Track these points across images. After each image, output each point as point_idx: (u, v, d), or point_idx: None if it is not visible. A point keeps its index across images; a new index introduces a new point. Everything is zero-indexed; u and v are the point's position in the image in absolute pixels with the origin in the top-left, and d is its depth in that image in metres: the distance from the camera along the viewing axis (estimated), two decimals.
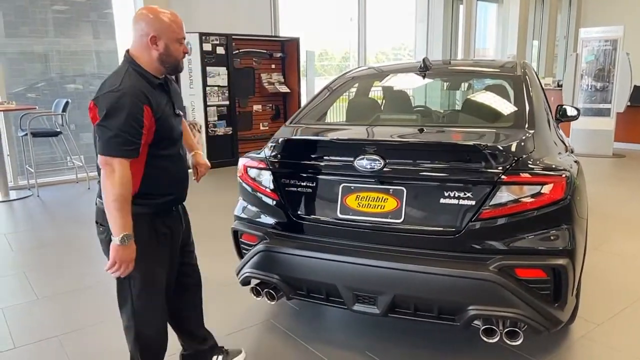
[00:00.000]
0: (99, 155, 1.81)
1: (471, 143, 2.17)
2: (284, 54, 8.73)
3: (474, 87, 3.04)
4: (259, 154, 2.63)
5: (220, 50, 7.71)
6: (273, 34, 8.64)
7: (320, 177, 2.41)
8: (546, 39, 10.40)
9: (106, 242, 1.91)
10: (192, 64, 7.56)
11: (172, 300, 2.18)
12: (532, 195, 2.05)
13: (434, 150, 2.22)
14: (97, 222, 1.99)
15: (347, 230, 2.34)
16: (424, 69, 3.04)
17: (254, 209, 2.65)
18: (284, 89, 8.70)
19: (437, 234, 2.17)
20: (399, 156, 2.23)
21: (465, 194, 2.12)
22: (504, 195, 2.06)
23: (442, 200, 2.16)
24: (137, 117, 1.80)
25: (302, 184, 2.44)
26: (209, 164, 2.38)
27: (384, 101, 3.31)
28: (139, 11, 1.92)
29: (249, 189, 2.65)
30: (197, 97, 7.62)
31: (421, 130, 2.43)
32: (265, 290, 2.55)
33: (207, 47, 7.58)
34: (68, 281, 3.59)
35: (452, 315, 2.17)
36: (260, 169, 2.58)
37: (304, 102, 9.20)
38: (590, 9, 10.57)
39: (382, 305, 2.25)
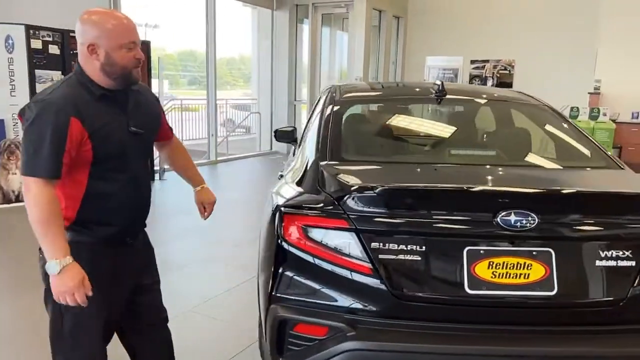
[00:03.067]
0: None
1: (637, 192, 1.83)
2: None
3: (502, 117, 2.74)
4: (322, 206, 1.85)
5: (54, 49, 6.05)
6: None
7: (435, 238, 1.78)
8: (383, 64, 11.06)
9: (43, 270, 1.69)
10: (14, 65, 5.75)
11: (130, 347, 2.05)
12: None
13: (591, 201, 1.82)
14: (39, 249, 1.71)
15: (479, 311, 1.76)
16: (440, 94, 2.63)
17: (318, 286, 1.86)
18: None
19: (596, 306, 1.76)
20: (551, 210, 1.76)
21: (624, 253, 1.76)
22: None
23: (597, 263, 1.76)
24: (60, 130, 1.60)
25: (408, 248, 1.76)
26: (215, 198, 2.18)
27: (415, 131, 2.77)
28: (80, 15, 1.71)
29: (308, 257, 1.85)
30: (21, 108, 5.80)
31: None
32: None
33: (37, 44, 5.86)
34: None
35: None
36: (337, 228, 1.81)
37: None
38: (415, 39, 11.64)
39: None
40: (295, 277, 1.91)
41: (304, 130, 3.59)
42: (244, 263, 4.26)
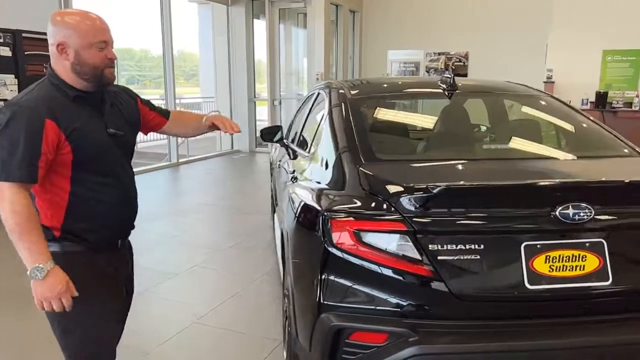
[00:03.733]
0: None
1: None
2: None
3: (520, 110, 2.74)
4: (377, 209, 1.79)
5: (6, 51, 5.60)
6: None
7: (494, 236, 1.76)
8: (342, 59, 11.05)
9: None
10: None
11: None
12: None
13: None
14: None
15: (539, 305, 1.76)
16: (451, 88, 2.64)
17: (374, 291, 1.80)
18: None
19: None
20: (605, 201, 1.78)
21: None
22: None
23: None
24: (35, 133, 1.56)
25: (467, 247, 1.73)
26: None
27: (441, 126, 2.72)
28: (51, 16, 1.67)
29: (362, 262, 1.78)
30: None
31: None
32: None
33: None
34: None
35: None
36: (393, 231, 1.75)
37: None
38: (371, 33, 11.72)
39: None
40: (348, 284, 1.84)
41: (301, 130, 3.51)
42: (234, 269, 4.13)
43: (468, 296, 1.74)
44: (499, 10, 10.40)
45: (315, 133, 2.92)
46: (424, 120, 2.67)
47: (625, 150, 2.30)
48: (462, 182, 1.84)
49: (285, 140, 4.27)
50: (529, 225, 1.76)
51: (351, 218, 1.80)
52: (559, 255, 1.76)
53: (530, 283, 1.74)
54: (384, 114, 2.69)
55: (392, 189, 1.82)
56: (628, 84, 8.79)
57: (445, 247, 1.73)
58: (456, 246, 1.73)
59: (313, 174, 2.47)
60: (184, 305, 3.42)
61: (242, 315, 3.31)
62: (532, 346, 1.69)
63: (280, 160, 3.72)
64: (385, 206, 1.79)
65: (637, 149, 2.31)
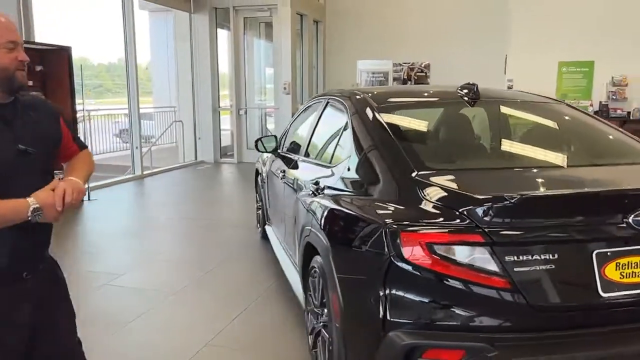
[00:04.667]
0: None
1: None
2: (45, 67, 6.51)
3: (550, 118, 2.76)
4: (451, 221, 1.72)
5: None
6: (25, 39, 6.34)
7: (567, 245, 1.74)
8: (307, 70, 11.01)
9: None
10: None
11: None
12: None
13: None
14: None
15: (611, 313, 1.75)
16: (474, 97, 2.65)
17: (447, 306, 1.73)
18: None
19: None
20: None
21: None
22: None
23: None
24: None
25: (542, 258, 1.70)
26: (82, 187, 1.64)
27: (479, 134, 2.68)
28: None
29: (433, 276, 1.71)
30: None
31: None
32: None
33: None
34: None
35: None
36: (469, 243, 1.69)
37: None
38: (334, 43, 11.78)
39: None
40: (418, 299, 1.77)
41: (309, 140, 3.40)
42: (231, 287, 3.94)
43: (544, 307, 1.70)
44: (459, 23, 10.73)
45: (338, 143, 2.83)
46: (459, 128, 2.65)
47: None
48: (538, 192, 1.81)
49: (279, 151, 4.16)
50: (602, 232, 1.75)
51: (424, 231, 1.73)
52: (628, 262, 1.76)
53: (604, 291, 1.73)
54: (417, 123, 2.64)
55: (465, 199, 1.77)
56: (582, 94, 9.25)
57: (521, 258, 1.69)
58: (532, 257, 1.70)
59: (349, 186, 2.38)
60: (189, 328, 3.21)
61: (256, 334, 3.14)
62: (611, 354, 1.68)
63: (283, 171, 3.59)
64: (458, 218, 1.73)
65: None
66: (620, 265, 1.75)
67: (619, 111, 8.90)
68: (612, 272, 1.75)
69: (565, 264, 1.72)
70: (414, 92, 2.87)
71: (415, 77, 11.35)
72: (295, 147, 3.82)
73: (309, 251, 2.70)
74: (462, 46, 10.61)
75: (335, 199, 2.34)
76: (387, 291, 1.80)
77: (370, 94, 2.82)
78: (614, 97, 8.88)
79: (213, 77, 10.23)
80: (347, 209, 2.15)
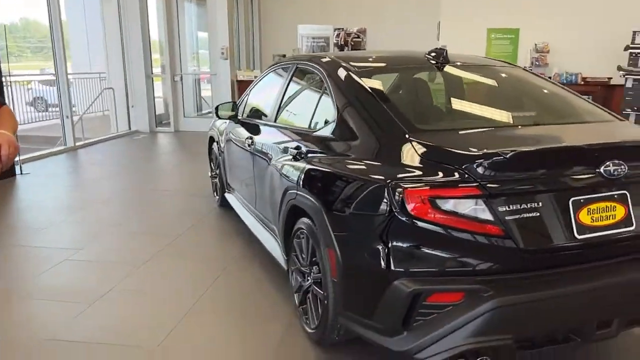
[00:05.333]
0: None
1: None
2: None
3: (519, 81, 2.97)
4: (451, 176, 1.88)
5: None
6: None
7: (548, 194, 1.95)
8: (244, 36, 10.76)
9: None
10: None
11: None
12: None
13: None
14: None
15: (585, 253, 2.00)
16: (445, 61, 2.82)
17: (447, 254, 1.91)
18: None
19: None
20: (631, 158, 2.05)
21: None
22: None
23: None
24: None
25: (528, 206, 1.91)
26: (15, 141, 1.57)
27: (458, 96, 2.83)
28: None
29: (434, 227, 1.88)
30: None
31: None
32: (481, 358, 1.91)
33: None
34: None
35: None
36: (468, 197, 1.86)
37: None
38: (269, 7, 11.56)
39: (619, 323, 2.06)
40: (421, 250, 1.93)
41: (279, 105, 3.42)
42: (200, 255, 3.95)
43: (531, 250, 1.92)
44: None
45: (317, 108, 2.89)
46: (438, 91, 2.80)
47: (609, 116, 2.66)
48: (526, 147, 2.00)
49: (240, 117, 4.14)
50: (577, 182, 1.98)
51: (427, 187, 1.87)
52: (596, 207, 2.01)
53: (579, 233, 1.97)
54: (398, 87, 2.76)
55: (462, 156, 1.92)
56: (509, 60, 9.82)
57: (511, 207, 1.89)
58: (520, 206, 1.90)
59: (336, 149, 2.46)
60: (169, 296, 3.21)
61: (237, 297, 3.21)
62: (588, 287, 1.93)
63: (250, 138, 3.60)
64: (457, 173, 1.88)
65: (618, 116, 2.68)
66: (591, 210, 2.00)
67: (541, 76, 9.57)
68: (584, 216, 1.99)
69: (548, 211, 1.94)
70: (387, 57, 2.97)
71: (352, 43, 11.45)
72: (260, 114, 3.83)
73: (293, 214, 2.78)
74: (398, 12, 10.83)
75: (327, 161, 2.43)
76: (392, 244, 1.95)
77: (346, 59, 2.89)
78: (537, 63, 9.50)
79: (145, 41, 9.75)
80: (343, 170, 2.25)
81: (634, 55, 8.11)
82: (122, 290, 3.25)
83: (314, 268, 2.57)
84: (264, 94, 3.90)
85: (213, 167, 5.21)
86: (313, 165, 2.50)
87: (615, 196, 2.05)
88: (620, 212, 2.05)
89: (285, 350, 2.60)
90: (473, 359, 1.91)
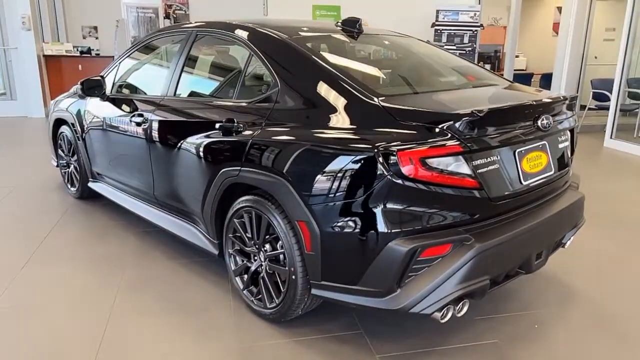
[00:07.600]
0: None
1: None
2: None
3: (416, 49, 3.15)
4: (436, 136, 1.97)
5: None
6: None
7: (504, 147, 2.18)
8: (45, 3, 9.16)
9: None
10: None
11: None
12: None
13: (555, 105, 2.49)
14: None
15: (528, 196, 2.31)
16: (358, 32, 2.93)
17: (434, 210, 2.02)
18: None
19: (563, 175, 2.59)
20: (552, 114, 2.40)
21: (566, 139, 2.63)
22: None
23: (561, 147, 2.57)
24: None
25: (491, 159, 2.12)
26: None
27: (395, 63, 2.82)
28: None
29: (423, 186, 1.97)
30: None
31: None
32: (463, 301, 2.10)
33: None
34: None
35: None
36: (453, 154, 1.98)
37: None
38: None
39: (547, 254, 2.46)
40: (411, 209, 2.00)
41: (178, 77, 3.09)
42: (87, 254, 3.41)
43: (497, 197, 2.15)
44: None
45: (245, 78, 2.70)
46: (375, 59, 2.84)
47: (504, 79, 3.05)
48: (496, 105, 2.19)
49: (109, 94, 3.63)
50: (522, 134, 2.26)
51: (418, 148, 1.93)
52: (531, 157, 2.34)
53: (524, 180, 2.27)
54: (337, 54, 2.69)
55: (441, 116, 2.02)
56: None
57: (480, 161, 2.08)
58: (487, 159, 2.10)
59: (287, 118, 2.35)
60: (74, 307, 2.70)
61: (166, 290, 2.86)
62: (534, 225, 2.25)
63: (141, 115, 3.17)
64: (439, 133, 1.98)
65: (509, 79, 3.09)
66: (529, 159, 2.32)
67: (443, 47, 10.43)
68: (525, 165, 2.30)
69: (503, 162, 2.18)
70: (306, 26, 2.89)
71: (175, 15, 10.79)
72: (146, 90, 3.40)
73: (230, 193, 2.59)
74: None
75: (285, 133, 2.30)
76: (386, 207, 1.97)
77: (272, 28, 2.73)
78: None
79: None
80: (313, 140, 2.16)
81: (438, 31, 9.33)
82: (10, 308, 2.63)
83: (266, 246, 2.45)
84: (148, 67, 3.46)
85: (63, 155, 4.46)
86: (263, 138, 2.35)
87: (540, 146, 2.40)
88: (544, 159, 2.42)
89: (243, 336, 2.44)
90: (457, 304, 2.08)
